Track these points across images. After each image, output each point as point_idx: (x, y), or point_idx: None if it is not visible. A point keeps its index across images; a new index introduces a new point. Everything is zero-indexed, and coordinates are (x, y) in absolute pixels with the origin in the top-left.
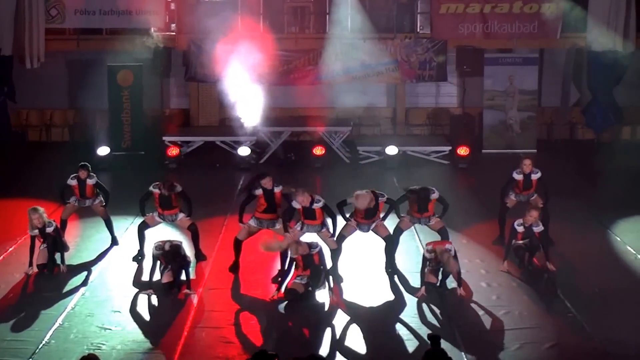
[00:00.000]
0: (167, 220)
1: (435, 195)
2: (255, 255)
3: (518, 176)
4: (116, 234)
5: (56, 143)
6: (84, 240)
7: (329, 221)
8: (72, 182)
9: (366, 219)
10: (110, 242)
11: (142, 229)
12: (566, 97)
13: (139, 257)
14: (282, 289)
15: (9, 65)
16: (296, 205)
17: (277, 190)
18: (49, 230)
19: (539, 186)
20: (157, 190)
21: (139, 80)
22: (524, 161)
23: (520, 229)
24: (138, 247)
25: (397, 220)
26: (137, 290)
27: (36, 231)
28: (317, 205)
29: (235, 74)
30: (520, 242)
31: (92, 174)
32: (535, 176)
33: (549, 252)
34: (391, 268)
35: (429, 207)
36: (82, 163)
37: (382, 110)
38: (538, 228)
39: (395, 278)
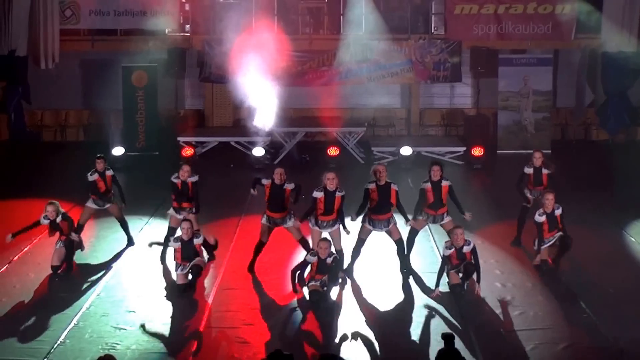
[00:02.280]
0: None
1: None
2: (270, 255)
3: (529, 169)
4: (131, 234)
5: (71, 143)
6: (99, 240)
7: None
8: (94, 176)
9: (381, 214)
10: (126, 242)
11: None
12: (580, 98)
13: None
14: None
15: (24, 66)
16: (318, 194)
17: (287, 187)
18: (59, 220)
19: (549, 182)
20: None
21: (154, 81)
22: (534, 154)
23: (542, 218)
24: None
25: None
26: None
27: (47, 221)
28: (339, 194)
29: (250, 75)
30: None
31: (108, 166)
32: (545, 171)
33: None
34: (406, 268)
35: (443, 197)
36: (98, 155)
37: (396, 110)
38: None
39: (410, 278)
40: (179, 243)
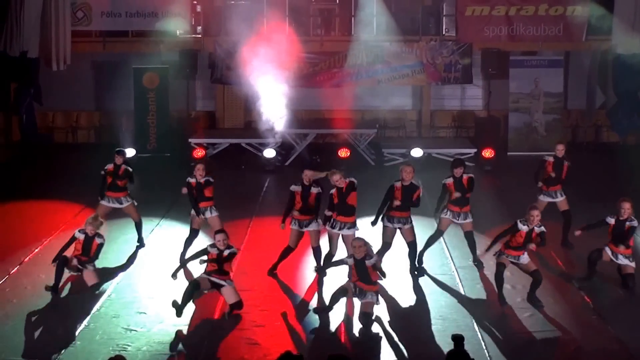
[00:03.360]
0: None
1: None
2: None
3: (549, 158)
4: (136, 237)
5: (82, 145)
6: (110, 242)
7: None
8: (109, 165)
9: (401, 210)
10: (136, 243)
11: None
12: (592, 99)
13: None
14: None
15: (36, 68)
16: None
17: (314, 190)
18: (97, 240)
19: (568, 174)
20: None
21: (165, 83)
22: (557, 146)
23: (524, 228)
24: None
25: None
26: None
27: (82, 236)
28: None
29: (261, 77)
30: None
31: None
32: (567, 163)
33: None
34: (417, 270)
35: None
36: (119, 149)
37: (407, 112)
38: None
39: (420, 280)
40: (215, 249)
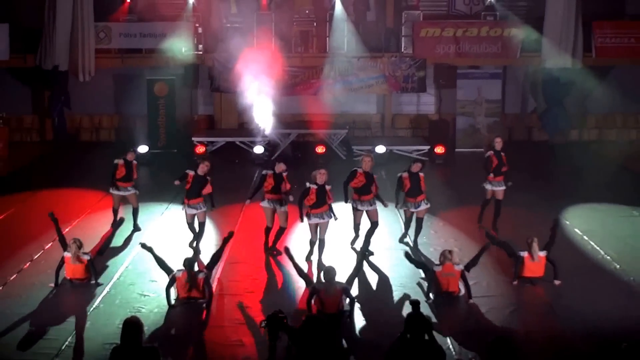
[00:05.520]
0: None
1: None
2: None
3: (490, 152)
4: (149, 218)
5: (104, 143)
6: (127, 222)
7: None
8: (119, 161)
9: (364, 194)
10: (136, 227)
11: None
12: (525, 105)
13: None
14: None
15: (65, 79)
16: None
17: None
18: (85, 258)
19: (507, 162)
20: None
21: (173, 91)
22: (495, 139)
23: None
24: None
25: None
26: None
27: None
28: (328, 187)
29: (252, 86)
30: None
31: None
32: (503, 153)
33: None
34: (367, 251)
35: (422, 186)
36: (132, 148)
37: (372, 116)
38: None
39: (385, 256)
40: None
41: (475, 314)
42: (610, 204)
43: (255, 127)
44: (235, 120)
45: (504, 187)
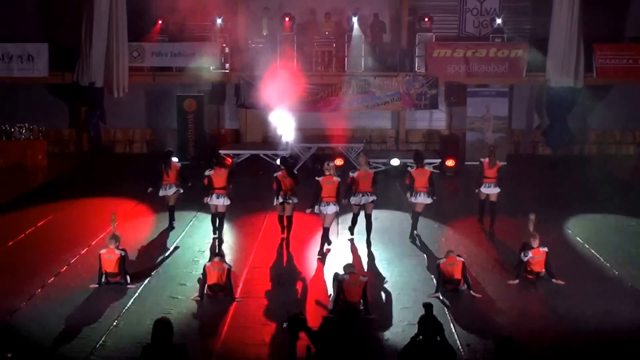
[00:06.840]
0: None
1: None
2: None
3: (484, 159)
4: (183, 224)
5: (136, 155)
6: (158, 227)
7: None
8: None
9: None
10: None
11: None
12: (530, 121)
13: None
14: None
15: (101, 95)
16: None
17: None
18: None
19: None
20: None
21: (201, 107)
22: (490, 148)
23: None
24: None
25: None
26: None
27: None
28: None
29: (275, 102)
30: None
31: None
32: (500, 163)
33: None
34: (368, 243)
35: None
36: (168, 149)
37: (387, 131)
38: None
39: (399, 261)
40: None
41: (481, 316)
42: (609, 214)
43: (278, 141)
44: (259, 135)
45: (497, 190)
